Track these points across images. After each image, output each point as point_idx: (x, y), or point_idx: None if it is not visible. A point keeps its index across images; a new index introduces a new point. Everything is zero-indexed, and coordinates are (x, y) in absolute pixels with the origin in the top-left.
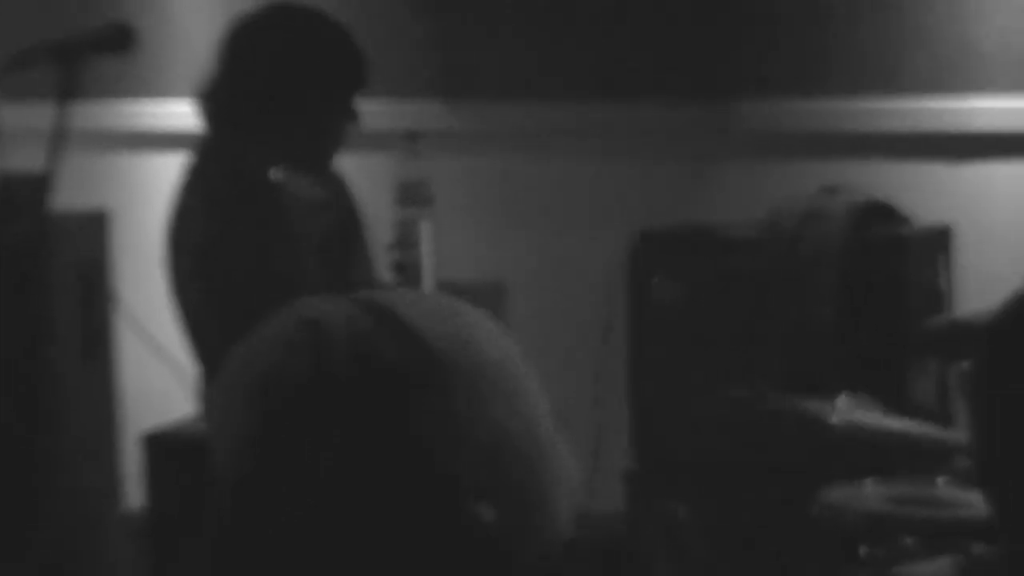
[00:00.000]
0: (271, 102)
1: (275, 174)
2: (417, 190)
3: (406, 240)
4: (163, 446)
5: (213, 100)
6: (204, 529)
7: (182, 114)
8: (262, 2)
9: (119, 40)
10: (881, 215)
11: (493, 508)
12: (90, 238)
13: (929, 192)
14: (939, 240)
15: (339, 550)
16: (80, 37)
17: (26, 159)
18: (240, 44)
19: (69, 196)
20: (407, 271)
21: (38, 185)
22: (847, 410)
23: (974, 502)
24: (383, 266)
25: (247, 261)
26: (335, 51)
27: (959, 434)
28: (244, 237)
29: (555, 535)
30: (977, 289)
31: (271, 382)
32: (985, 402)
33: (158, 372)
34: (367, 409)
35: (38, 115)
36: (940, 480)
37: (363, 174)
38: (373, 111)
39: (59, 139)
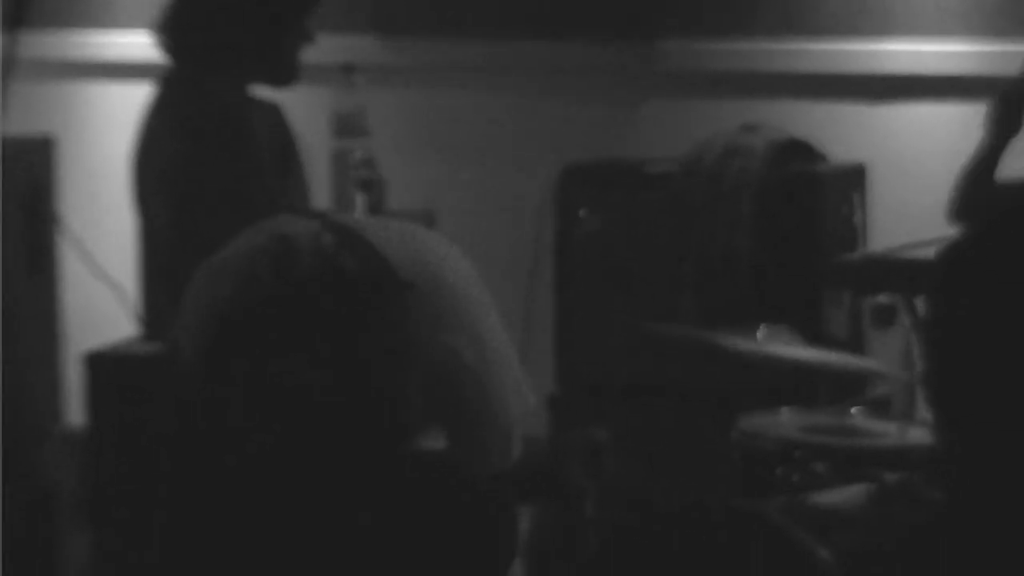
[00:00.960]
0: (227, 27)
1: (235, 98)
2: (353, 121)
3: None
4: (104, 366)
5: (171, 30)
6: (165, 423)
7: (127, 44)
8: None
9: None
10: (799, 153)
11: (443, 431)
12: (37, 163)
13: (845, 131)
14: (855, 177)
15: (292, 457)
16: None
17: None
18: None
19: (17, 123)
20: (372, 189)
21: None
22: (767, 341)
23: (886, 431)
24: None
25: (214, 182)
26: None
27: (872, 363)
28: (211, 158)
29: (504, 455)
30: (891, 225)
31: (239, 290)
32: (940, 332)
33: (100, 294)
34: (326, 320)
35: None
36: (853, 410)
37: (300, 105)
38: (317, 44)
39: (7, 67)
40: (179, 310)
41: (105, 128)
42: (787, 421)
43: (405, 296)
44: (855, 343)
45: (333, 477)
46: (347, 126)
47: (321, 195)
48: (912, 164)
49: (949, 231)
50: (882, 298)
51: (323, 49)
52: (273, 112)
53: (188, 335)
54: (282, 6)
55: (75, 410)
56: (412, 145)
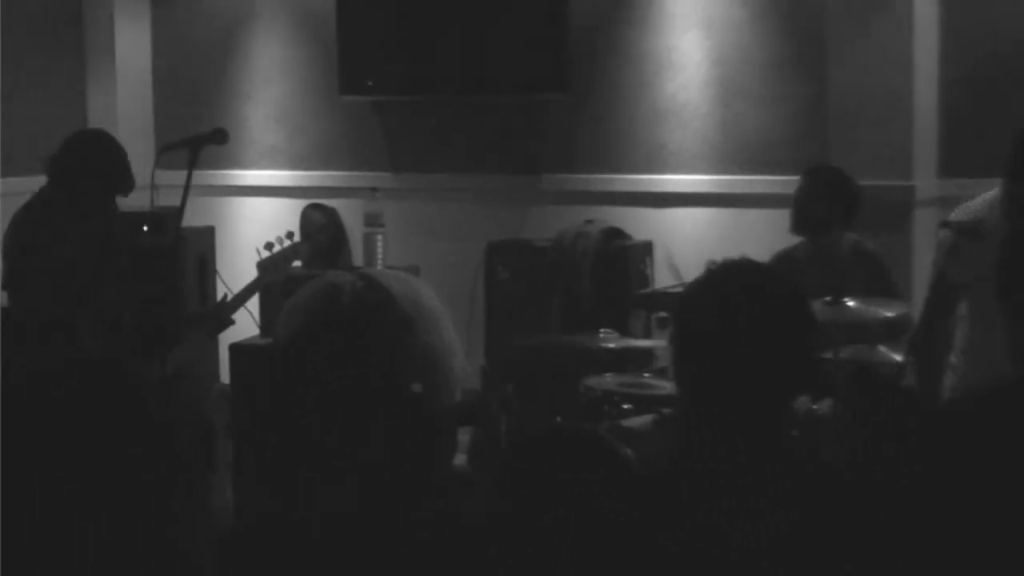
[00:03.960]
0: (80, 187)
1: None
2: (376, 218)
3: (372, 246)
4: (240, 351)
5: (57, 172)
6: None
7: (251, 176)
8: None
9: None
10: (617, 235)
11: (420, 385)
12: (202, 239)
13: (642, 223)
14: (646, 249)
15: (335, 403)
16: (198, 135)
17: (170, 199)
18: (69, 152)
19: (192, 217)
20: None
21: (176, 213)
22: (612, 339)
23: (664, 385)
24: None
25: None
26: (120, 165)
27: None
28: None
29: (451, 396)
30: (666, 277)
31: (308, 314)
32: (678, 333)
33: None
34: (360, 330)
35: (178, 176)
36: (646, 374)
37: (348, 210)
38: (356, 175)
39: (187, 189)
40: (275, 326)
41: (227, 226)
42: (610, 380)
43: (400, 314)
44: (647, 339)
45: (370, 413)
46: (372, 220)
47: (357, 257)
48: (676, 241)
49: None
50: (662, 313)
51: (362, 179)
52: (331, 212)
53: (280, 343)
54: (113, 182)
55: (225, 376)
56: (408, 230)
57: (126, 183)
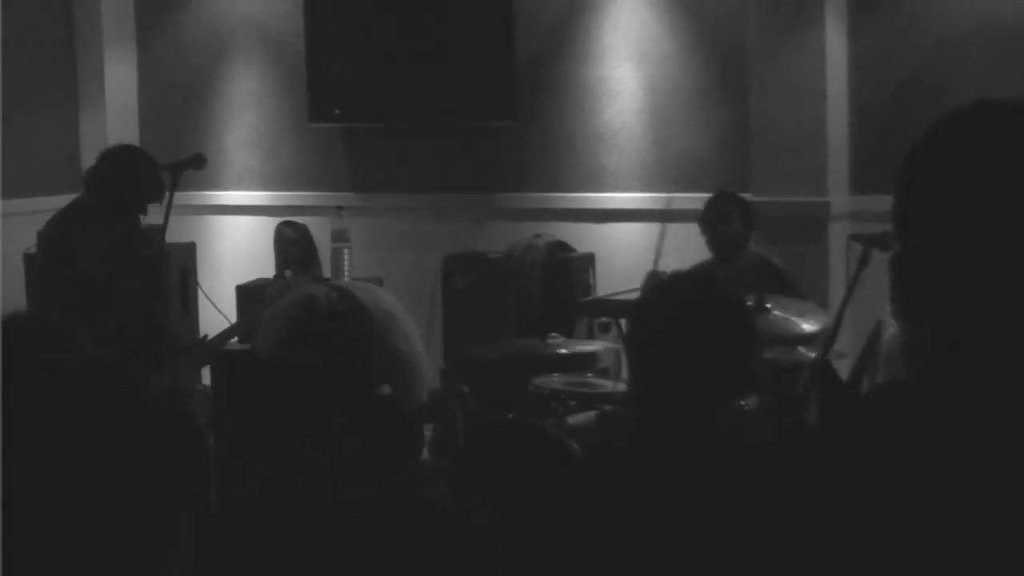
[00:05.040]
0: (118, 195)
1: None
2: (343, 234)
3: (339, 260)
4: (221, 358)
5: (94, 186)
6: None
7: (228, 196)
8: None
9: (198, 161)
10: (563, 247)
11: (389, 386)
12: (184, 254)
13: (585, 237)
14: (589, 260)
15: (321, 403)
16: (180, 160)
17: (155, 218)
18: (107, 163)
19: (174, 234)
20: (340, 267)
21: (159, 230)
22: (558, 342)
23: (606, 385)
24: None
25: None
26: (154, 175)
27: (596, 348)
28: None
29: (419, 398)
30: (607, 285)
31: (290, 320)
32: (631, 337)
33: (219, 322)
34: (334, 333)
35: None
36: (589, 374)
37: (317, 227)
38: (324, 195)
39: (168, 208)
40: (257, 334)
41: (213, 236)
42: (557, 379)
43: (369, 320)
44: (591, 342)
45: (340, 409)
46: (339, 236)
47: (326, 268)
48: (616, 253)
49: (635, 286)
50: (603, 319)
51: (330, 199)
52: (302, 228)
53: (261, 349)
54: (146, 195)
55: (207, 378)
56: (372, 245)
57: (157, 190)
